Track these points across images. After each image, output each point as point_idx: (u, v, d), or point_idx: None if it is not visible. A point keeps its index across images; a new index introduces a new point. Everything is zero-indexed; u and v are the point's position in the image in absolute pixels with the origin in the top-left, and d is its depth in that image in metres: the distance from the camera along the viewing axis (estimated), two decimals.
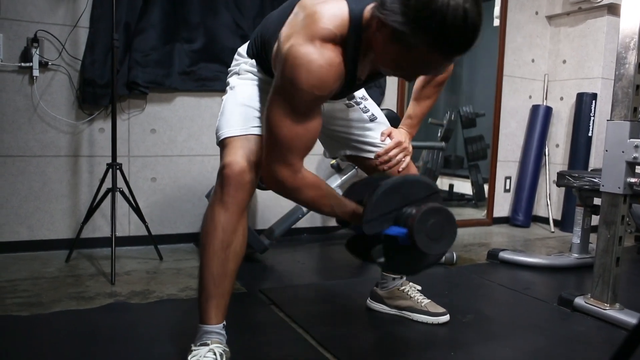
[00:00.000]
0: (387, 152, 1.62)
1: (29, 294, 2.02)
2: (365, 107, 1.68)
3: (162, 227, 2.88)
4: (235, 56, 1.57)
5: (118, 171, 2.39)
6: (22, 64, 2.52)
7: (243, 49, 1.55)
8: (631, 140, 1.92)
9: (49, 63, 2.57)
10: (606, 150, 1.99)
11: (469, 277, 2.55)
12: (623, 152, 1.93)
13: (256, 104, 1.45)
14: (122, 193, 2.42)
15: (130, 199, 2.46)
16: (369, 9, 1.20)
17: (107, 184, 2.39)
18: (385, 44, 1.13)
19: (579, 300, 2.08)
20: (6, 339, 1.60)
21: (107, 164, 2.40)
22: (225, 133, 1.41)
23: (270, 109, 1.25)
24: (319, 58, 1.17)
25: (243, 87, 1.47)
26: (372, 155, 1.67)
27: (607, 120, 2.00)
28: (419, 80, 1.68)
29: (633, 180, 1.94)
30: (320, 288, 2.28)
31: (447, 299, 2.13)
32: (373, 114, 1.69)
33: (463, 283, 2.45)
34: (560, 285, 2.48)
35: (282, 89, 1.22)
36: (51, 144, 2.64)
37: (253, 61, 1.50)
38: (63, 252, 2.57)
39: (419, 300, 1.87)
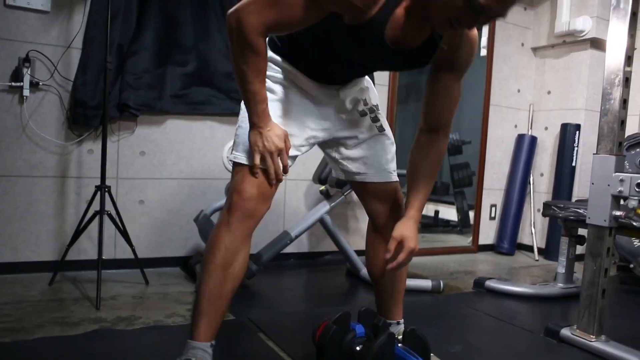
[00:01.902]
0: (395, 257, 1.45)
1: (11, 318, 1.98)
2: (376, 117, 1.64)
3: (149, 251, 2.85)
4: None
5: (106, 194, 2.37)
6: (13, 84, 2.51)
7: None
8: (616, 174, 1.96)
9: (40, 83, 2.56)
10: (592, 184, 2.03)
11: (456, 305, 2.55)
12: (609, 185, 1.97)
13: (280, 122, 1.44)
14: (110, 216, 2.40)
15: (118, 222, 2.44)
16: None
17: (95, 206, 2.36)
18: None
19: (565, 332, 2.10)
20: None
21: (96, 186, 2.38)
22: (243, 158, 1.41)
23: None
24: None
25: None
26: (377, 180, 1.64)
27: (594, 154, 2.05)
28: (418, 155, 1.56)
29: (618, 213, 1.98)
30: (309, 316, 2.27)
31: (435, 328, 2.13)
32: (382, 126, 1.65)
33: (450, 312, 2.45)
34: (545, 315, 2.50)
35: None
36: (39, 165, 2.61)
37: (271, 55, 1.48)
38: (47, 275, 2.52)
39: None
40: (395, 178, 1.69)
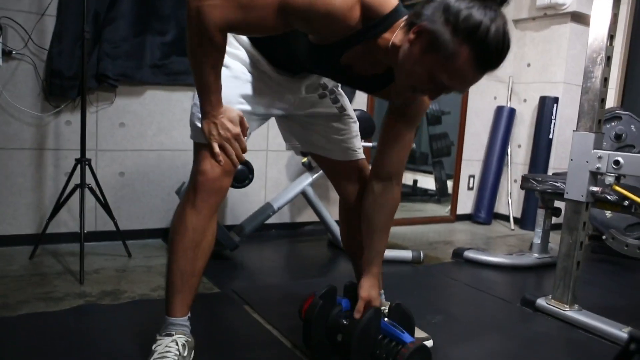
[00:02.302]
0: (359, 311, 1.51)
1: None
2: (336, 97, 1.64)
3: (130, 222, 2.83)
4: None
5: (87, 167, 2.33)
6: None
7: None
8: (595, 150, 2.01)
9: (13, 52, 2.47)
10: (571, 160, 2.08)
11: (435, 276, 2.62)
12: (587, 162, 2.02)
13: (237, 97, 1.45)
14: (91, 189, 2.36)
15: (99, 194, 2.41)
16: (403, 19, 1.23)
17: (75, 179, 2.33)
18: (421, 54, 1.15)
19: (541, 302, 2.18)
20: None
21: (76, 159, 2.33)
22: (202, 138, 1.39)
23: None
24: None
25: (225, 86, 1.41)
26: (341, 158, 1.67)
27: (573, 130, 2.09)
28: (373, 206, 1.58)
29: (595, 189, 2.04)
30: (293, 287, 2.30)
31: (416, 298, 2.19)
32: (342, 106, 1.65)
33: (430, 283, 2.52)
34: (521, 285, 2.59)
35: None
36: (14, 136, 2.54)
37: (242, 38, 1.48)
38: (26, 248, 2.50)
39: None
40: (360, 155, 1.72)
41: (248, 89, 1.48)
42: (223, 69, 1.38)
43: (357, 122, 1.73)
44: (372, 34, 1.25)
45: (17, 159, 2.56)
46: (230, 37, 1.46)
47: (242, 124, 1.40)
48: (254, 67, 1.50)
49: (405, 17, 1.23)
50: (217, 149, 1.37)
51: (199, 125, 1.39)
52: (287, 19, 1.22)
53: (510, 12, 4.11)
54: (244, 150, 1.42)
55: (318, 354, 1.57)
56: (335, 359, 1.57)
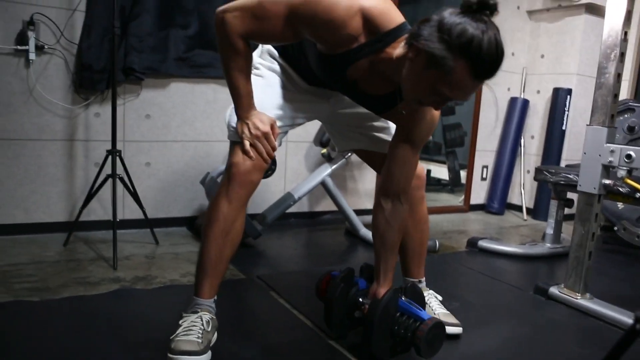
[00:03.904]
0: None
1: (35, 278, 2.08)
2: None
3: (155, 211, 2.95)
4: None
5: (117, 158, 2.44)
6: (18, 47, 2.51)
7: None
8: (607, 144, 2.08)
9: (45, 46, 2.57)
10: (584, 153, 2.15)
11: (451, 265, 2.71)
12: (600, 155, 2.09)
13: (268, 104, 1.56)
14: (121, 179, 2.47)
15: (129, 184, 2.52)
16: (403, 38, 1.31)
17: (106, 169, 2.44)
18: (422, 70, 1.24)
19: (553, 290, 2.27)
20: (22, 324, 1.67)
21: (107, 151, 2.44)
22: (236, 137, 1.51)
23: None
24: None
25: (257, 86, 1.54)
26: (385, 150, 1.71)
27: (587, 125, 2.16)
28: (384, 224, 1.64)
29: (608, 181, 2.11)
30: (314, 274, 2.38)
31: (433, 287, 2.27)
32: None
33: (446, 271, 2.61)
34: (534, 274, 2.67)
35: None
36: (47, 128, 2.66)
37: (270, 48, 1.62)
38: (59, 235, 2.62)
39: (434, 309, 1.88)
40: None
41: (281, 97, 1.61)
42: (259, 79, 1.55)
43: None
44: (376, 47, 1.34)
45: (49, 150, 2.68)
46: (265, 52, 1.63)
47: (272, 127, 1.52)
48: (287, 78, 1.62)
49: (406, 35, 1.31)
50: (247, 146, 1.48)
51: (234, 126, 1.52)
52: (296, 27, 1.35)
53: (524, 3, 4.15)
54: (273, 149, 1.53)
55: (338, 331, 1.67)
56: (353, 334, 1.68)
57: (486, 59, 1.18)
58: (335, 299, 1.63)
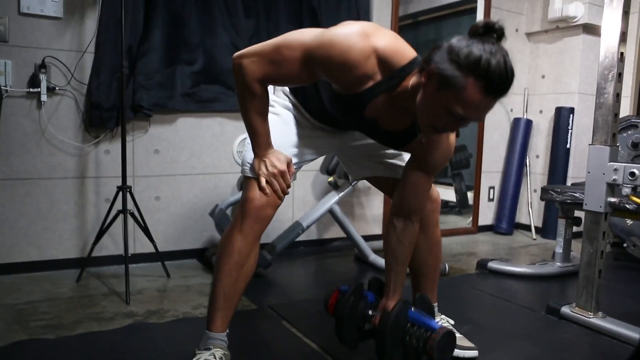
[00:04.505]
0: None
1: (50, 315, 2.11)
2: None
3: (166, 244, 2.98)
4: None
5: (128, 193, 2.49)
6: (31, 89, 2.60)
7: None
8: (611, 163, 2.10)
9: (57, 88, 2.65)
10: (588, 172, 2.17)
11: (461, 287, 2.71)
12: (604, 174, 2.11)
13: (285, 143, 1.61)
14: (132, 214, 2.51)
15: (139, 219, 2.56)
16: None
17: (117, 205, 2.48)
18: (435, 92, 1.28)
19: (565, 309, 2.26)
20: None
21: (118, 187, 2.49)
22: (251, 173, 1.55)
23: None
24: (353, 39, 1.33)
25: (273, 123, 1.59)
26: (398, 176, 1.75)
27: (589, 144, 2.18)
28: (396, 242, 1.68)
29: (613, 199, 2.13)
30: None
31: (444, 310, 2.28)
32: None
33: (457, 294, 2.61)
34: (545, 294, 2.66)
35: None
36: (58, 166, 2.72)
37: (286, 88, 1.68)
38: (72, 271, 2.66)
39: None
40: None
41: (297, 135, 1.65)
42: (275, 117, 1.60)
43: None
44: (392, 84, 1.39)
45: (61, 188, 2.73)
46: (279, 89, 1.69)
47: (289, 165, 1.56)
48: (299, 114, 1.67)
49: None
50: (264, 182, 1.52)
51: (250, 162, 1.56)
52: (311, 69, 1.40)
53: (522, 25, 4.23)
54: (288, 187, 1.57)
55: (349, 343, 1.67)
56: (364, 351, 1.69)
57: (495, 75, 1.22)
58: (346, 312, 1.64)
